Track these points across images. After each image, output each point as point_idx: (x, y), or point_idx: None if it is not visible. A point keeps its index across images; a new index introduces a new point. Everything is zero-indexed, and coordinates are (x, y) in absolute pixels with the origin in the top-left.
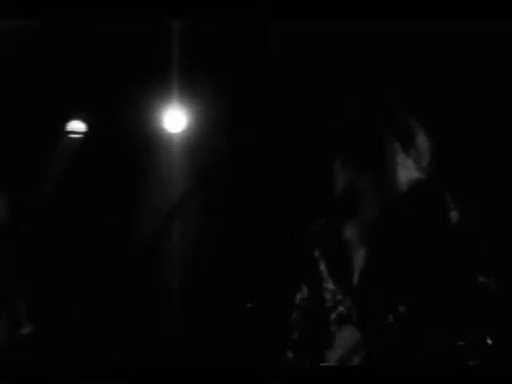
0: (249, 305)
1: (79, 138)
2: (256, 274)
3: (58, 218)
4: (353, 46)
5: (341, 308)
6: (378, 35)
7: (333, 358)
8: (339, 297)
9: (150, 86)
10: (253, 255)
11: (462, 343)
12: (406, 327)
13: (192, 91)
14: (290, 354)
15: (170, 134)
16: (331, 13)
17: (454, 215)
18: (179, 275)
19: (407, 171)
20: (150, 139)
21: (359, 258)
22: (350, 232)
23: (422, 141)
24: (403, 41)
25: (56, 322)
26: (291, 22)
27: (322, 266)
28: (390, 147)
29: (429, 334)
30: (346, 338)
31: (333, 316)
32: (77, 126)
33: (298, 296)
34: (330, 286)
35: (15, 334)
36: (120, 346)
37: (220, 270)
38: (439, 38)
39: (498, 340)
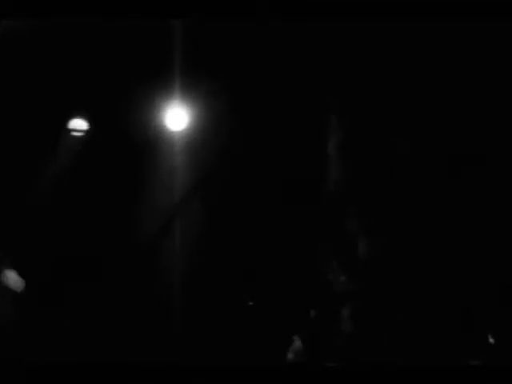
0: (250, 303)
1: (81, 137)
2: (257, 274)
3: (59, 217)
4: (354, 46)
5: (355, 301)
6: (378, 35)
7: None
8: (350, 287)
9: (152, 85)
10: (254, 255)
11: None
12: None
13: (194, 90)
14: (309, 353)
15: (172, 133)
16: (331, 13)
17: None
18: (181, 275)
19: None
20: (151, 137)
21: (364, 248)
22: (351, 223)
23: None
24: (400, 41)
25: (58, 322)
26: (291, 22)
27: (331, 260)
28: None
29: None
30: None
31: (346, 310)
32: (79, 125)
33: (311, 293)
34: (342, 278)
35: None
36: (122, 346)
37: (221, 269)
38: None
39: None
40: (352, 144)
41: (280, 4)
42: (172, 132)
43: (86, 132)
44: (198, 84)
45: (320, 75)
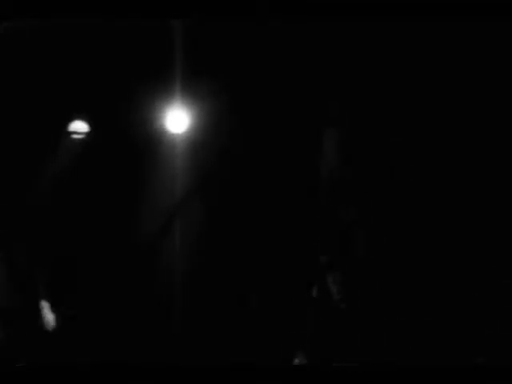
0: (253, 305)
1: (82, 138)
2: (257, 274)
3: (59, 217)
4: (354, 46)
5: (348, 301)
6: (378, 35)
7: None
8: (345, 288)
9: (153, 86)
10: (254, 255)
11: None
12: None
13: (194, 91)
14: (308, 351)
15: (173, 134)
16: (331, 13)
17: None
18: (181, 275)
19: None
20: (152, 139)
21: (363, 248)
22: (350, 223)
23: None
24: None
25: (57, 322)
26: (291, 22)
27: (326, 259)
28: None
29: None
30: None
31: (342, 307)
32: (79, 126)
33: (309, 292)
34: (338, 277)
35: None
36: (122, 345)
37: (222, 269)
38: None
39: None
40: (352, 143)
41: (280, 4)
42: (172, 132)
43: (87, 134)
44: (199, 84)
45: (320, 75)
